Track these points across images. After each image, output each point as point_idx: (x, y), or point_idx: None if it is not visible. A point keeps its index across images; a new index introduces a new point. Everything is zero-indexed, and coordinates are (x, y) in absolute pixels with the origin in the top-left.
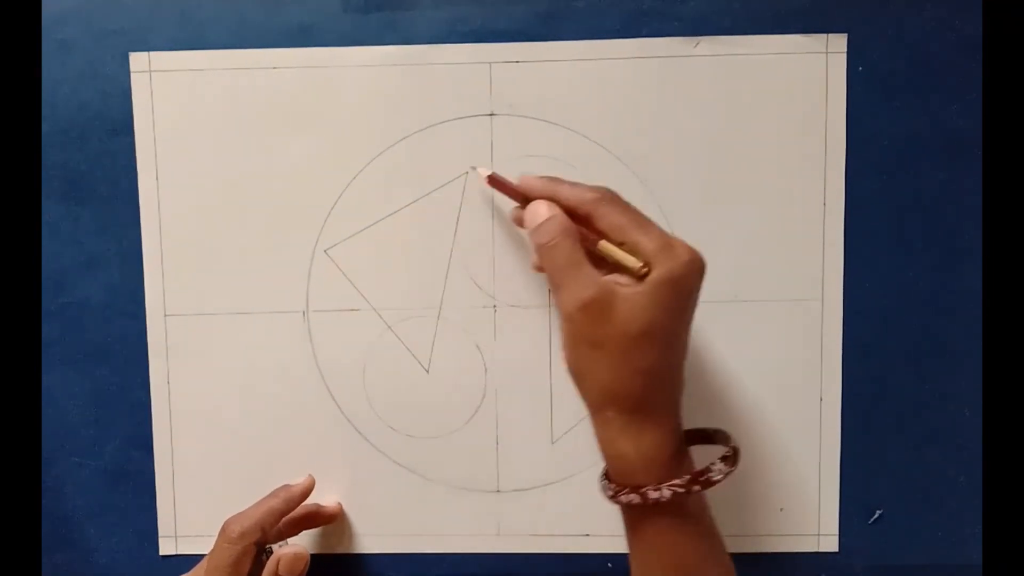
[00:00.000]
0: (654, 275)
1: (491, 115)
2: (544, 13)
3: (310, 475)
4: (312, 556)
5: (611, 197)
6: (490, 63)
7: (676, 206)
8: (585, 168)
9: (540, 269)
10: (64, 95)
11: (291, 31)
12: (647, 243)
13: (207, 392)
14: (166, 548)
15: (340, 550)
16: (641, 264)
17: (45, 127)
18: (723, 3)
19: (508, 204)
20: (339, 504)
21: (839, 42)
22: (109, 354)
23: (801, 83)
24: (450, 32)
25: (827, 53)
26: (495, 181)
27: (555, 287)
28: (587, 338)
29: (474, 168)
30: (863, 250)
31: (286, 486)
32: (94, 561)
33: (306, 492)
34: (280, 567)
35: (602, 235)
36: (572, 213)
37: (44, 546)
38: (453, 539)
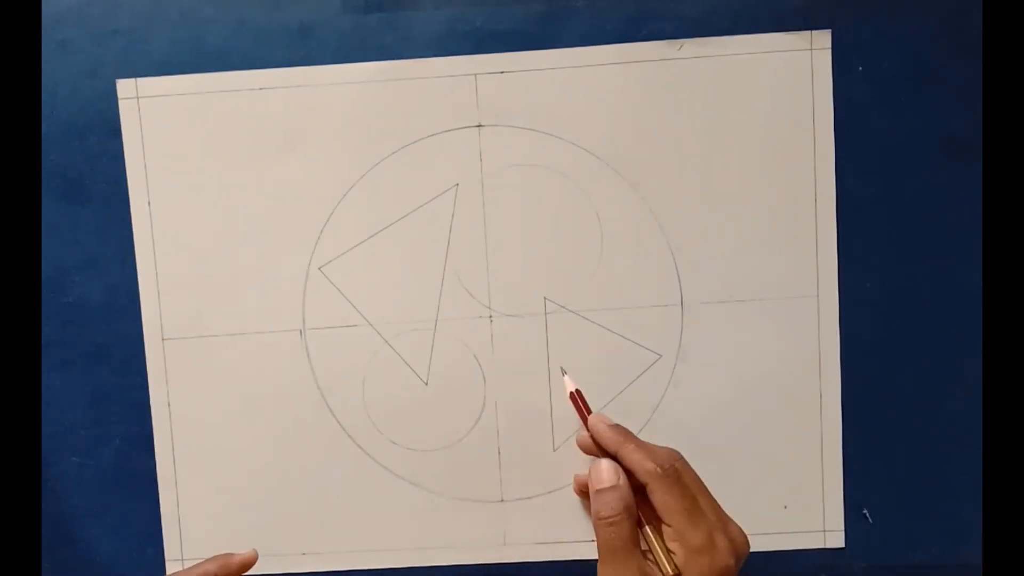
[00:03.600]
0: None
1: (479, 126)
2: (544, 13)
3: (254, 550)
4: (317, 575)
5: (671, 475)
6: (475, 74)
7: (667, 210)
8: (576, 176)
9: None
10: (64, 95)
11: (291, 31)
12: (690, 538)
13: (207, 415)
14: (173, 570)
15: (345, 567)
16: (672, 572)
17: (45, 127)
18: (722, 3)
19: (501, 211)
20: (254, 551)
21: (823, 38)
22: (109, 354)
23: (787, 81)
24: (450, 32)
25: (811, 50)
26: (575, 399)
27: (600, 561)
28: None
29: (563, 373)
30: (860, 247)
31: (228, 554)
32: (94, 561)
33: (245, 565)
34: None
35: (654, 512)
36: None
37: (44, 546)
38: (459, 551)
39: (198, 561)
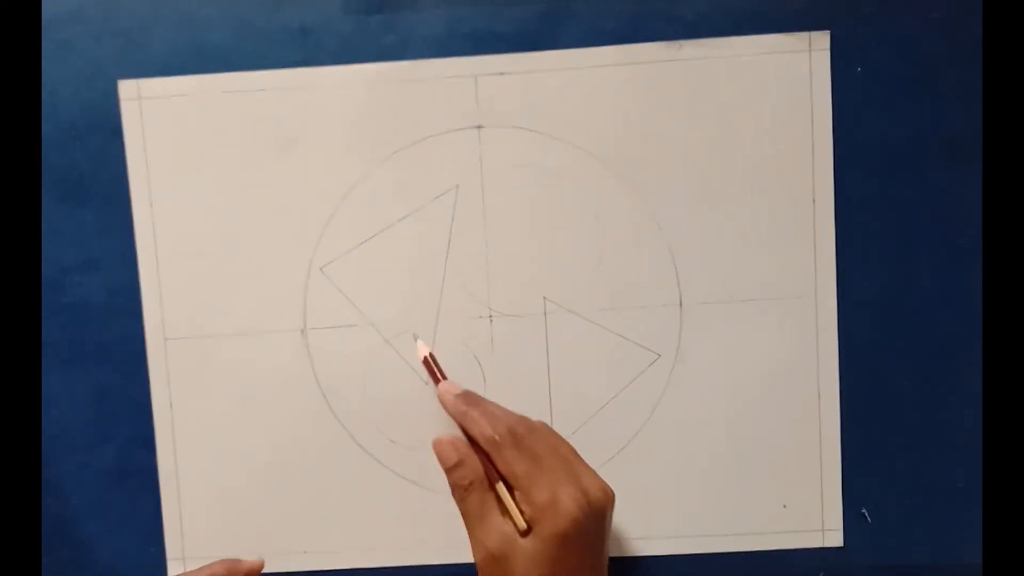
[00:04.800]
0: (539, 533)
1: (479, 127)
2: (544, 14)
3: (262, 559)
4: (319, 574)
5: (507, 440)
6: (475, 76)
7: (667, 210)
8: (575, 176)
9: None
10: (65, 96)
11: (291, 32)
12: (535, 496)
13: (209, 414)
14: (175, 570)
15: (346, 566)
16: (523, 524)
17: (45, 127)
18: (721, 4)
19: (501, 212)
20: (262, 560)
21: (822, 40)
22: (109, 353)
23: (786, 82)
24: (450, 33)
25: (810, 51)
26: (427, 363)
27: (467, 531)
28: None
29: (416, 338)
30: (858, 247)
31: (236, 560)
32: (95, 561)
33: (252, 573)
34: None
35: (502, 477)
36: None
37: (45, 546)
38: (460, 550)
39: (200, 560)
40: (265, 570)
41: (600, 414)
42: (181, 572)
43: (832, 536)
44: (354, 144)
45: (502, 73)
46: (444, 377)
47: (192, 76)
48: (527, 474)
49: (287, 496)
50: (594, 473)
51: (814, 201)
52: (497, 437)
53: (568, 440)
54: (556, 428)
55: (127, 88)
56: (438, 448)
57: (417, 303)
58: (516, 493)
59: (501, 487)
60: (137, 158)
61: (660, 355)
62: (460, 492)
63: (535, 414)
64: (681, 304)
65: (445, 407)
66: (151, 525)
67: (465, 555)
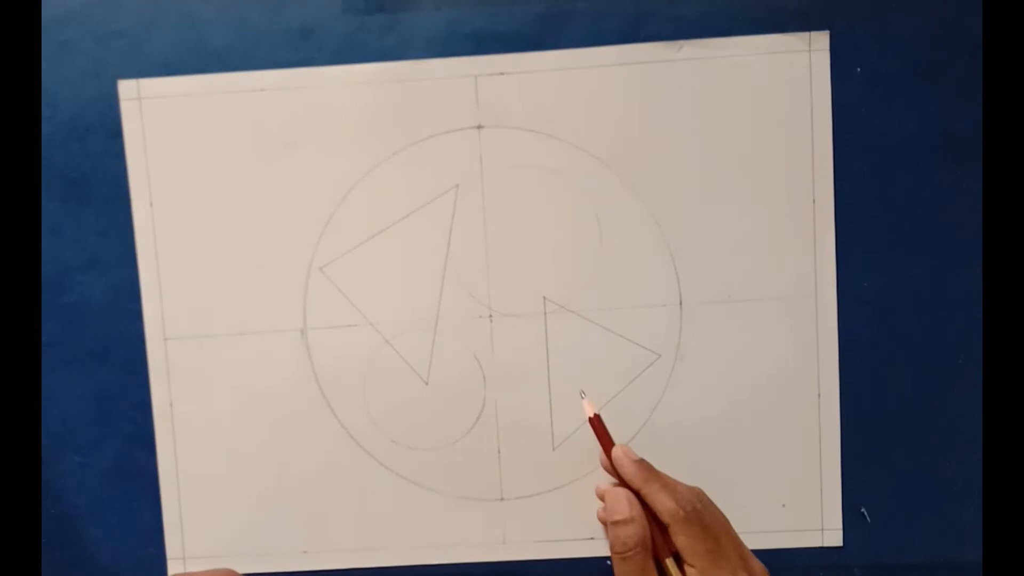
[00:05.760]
0: None
1: (479, 127)
2: (544, 15)
3: None
4: (318, 574)
5: (693, 517)
6: (475, 76)
7: (666, 210)
8: (576, 176)
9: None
10: (66, 96)
11: (292, 32)
12: None
13: (209, 414)
14: (174, 569)
15: (346, 566)
16: None
17: (46, 128)
18: (721, 5)
19: (501, 212)
20: None
21: (822, 39)
22: (111, 353)
23: (786, 82)
24: (450, 33)
25: (810, 51)
26: (596, 424)
27: None
28: None
29: (583, 395)
30: (858, 247)
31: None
32: (95, 560)
33: None
34: None
35: (676, 550)
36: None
37: (44, 546)
38: (459, 549)
39: (200, 560)
40: (265, 570)
41: (600, 414)
42: (181, 572)
43: (831, 535)
44: (354, 144)
45: (502, 73)
46: (611, 439)
47: (192, 76)
48: (708, 554)
49: (287, 496)
50: (753, 555)
51: (814, 201)
52: (682, 512)
53: (568, 441)
54: (556, 428)
55: (127, 88)
56: (611, 497)
57: (417, 303)
58: (688, 568)
59: (671, 562)
60: (137, 158)
61: (660, 355)
62: (621, 550)
63: (535, 414)
64: (681, 304)
65: (624, 474)
66: (151, 525)
67: (465, 555)
